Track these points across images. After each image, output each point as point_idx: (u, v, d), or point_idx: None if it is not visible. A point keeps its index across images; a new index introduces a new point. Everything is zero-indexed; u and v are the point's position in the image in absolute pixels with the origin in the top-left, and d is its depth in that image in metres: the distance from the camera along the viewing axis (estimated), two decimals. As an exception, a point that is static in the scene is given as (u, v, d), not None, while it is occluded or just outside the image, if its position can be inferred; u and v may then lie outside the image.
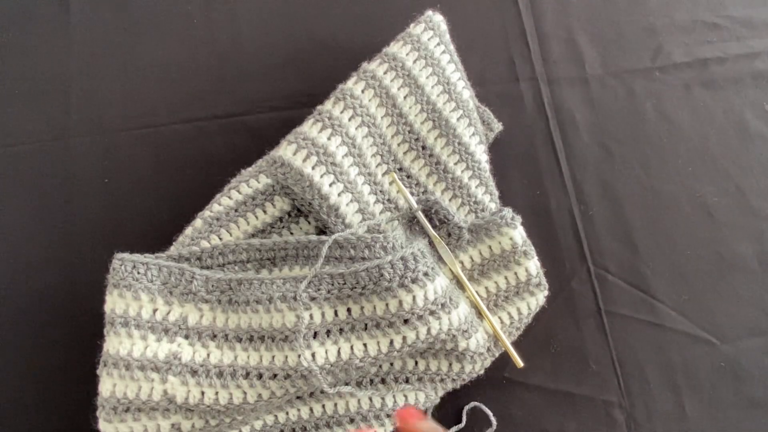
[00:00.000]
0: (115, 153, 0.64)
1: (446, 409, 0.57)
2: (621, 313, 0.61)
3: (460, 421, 0.57)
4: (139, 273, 0.51)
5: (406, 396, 0.55)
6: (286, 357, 0.49)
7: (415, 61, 0.58)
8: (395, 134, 0.59)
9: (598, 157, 0.65)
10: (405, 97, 0.58)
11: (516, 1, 0.70)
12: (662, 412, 0.58)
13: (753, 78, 0.68)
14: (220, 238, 0.55)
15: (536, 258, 0.56)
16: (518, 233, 0.56)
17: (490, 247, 0.57)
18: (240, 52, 0.67)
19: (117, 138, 0.64)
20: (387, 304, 0.49)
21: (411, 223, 0.57)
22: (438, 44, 0.59)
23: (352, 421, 0.54)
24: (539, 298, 0.56)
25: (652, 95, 0.67)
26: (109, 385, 0.49)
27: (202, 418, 0.51)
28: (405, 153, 0.59)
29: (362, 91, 0.56)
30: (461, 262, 0.57)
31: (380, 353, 0.50)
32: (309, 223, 0.57)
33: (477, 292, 0.56)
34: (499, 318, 0.56)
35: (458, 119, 0.59)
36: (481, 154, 0.60)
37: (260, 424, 0.53)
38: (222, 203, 0.55)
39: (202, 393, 0.49)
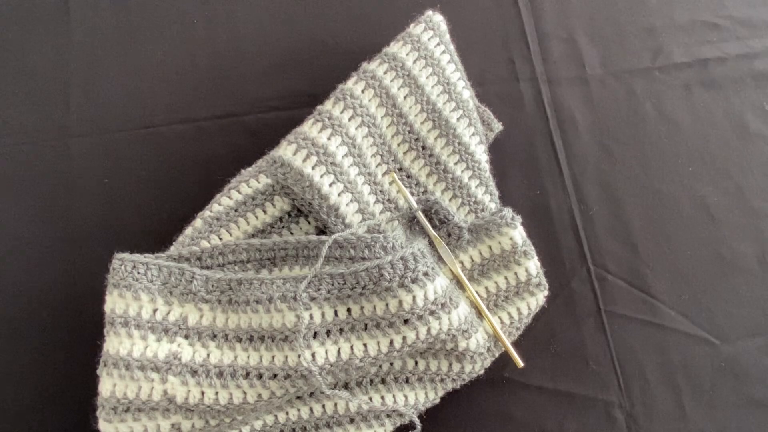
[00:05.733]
0: (115, 153, 0.64)
1: (446, 409, 0.57)
2: (621, 313, 0.61)
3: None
4: (139, 273, 0.51)
5: (406, 396, 0.55)
6: (286, 357, 0.49)
7: (415, 61, 0.58)
8: (395, 134, 0.58)
9: (598, 157, 0.65)
10: (405, 97, 0.58)
11: (516, 1, 0.70)
12: (662, 412, 0.58)
13: (753, 78, 0.68)
14: (220, 238, 0.55)
15: (536, 258, 0.56)
16: (518, 233, 0.56)
17: (490, 247, 0.57)
18: (240, 52, 0.67)
19: (117, 138, 0.64)
20: (387, 304, 0.49)
21: (411, 223, 0.57)
22: (438, 44, 0.59)
23: (352, 421, 0.54)
24: (539, 298, 0.56)
25: (652, 95, 0.67)
26: (109, 385, 0.49)
27: (202, 418, 0.51)
28: (405, 153, 0.59)
29: (362, 91, 0.56)
30: (461, 262, 0.57)
31: (380, 353, 0.50)
32: (309, 223, 0.57)
33: (477, 292, 0.56)
34: (499, 318, 0.56)
35: (458, 119, 0.59)
36: (481, 154, 0.60)
37: (260, 424, 0.53)
38: (222, 203, 0.55)
39: (202, 393, 0.49)
